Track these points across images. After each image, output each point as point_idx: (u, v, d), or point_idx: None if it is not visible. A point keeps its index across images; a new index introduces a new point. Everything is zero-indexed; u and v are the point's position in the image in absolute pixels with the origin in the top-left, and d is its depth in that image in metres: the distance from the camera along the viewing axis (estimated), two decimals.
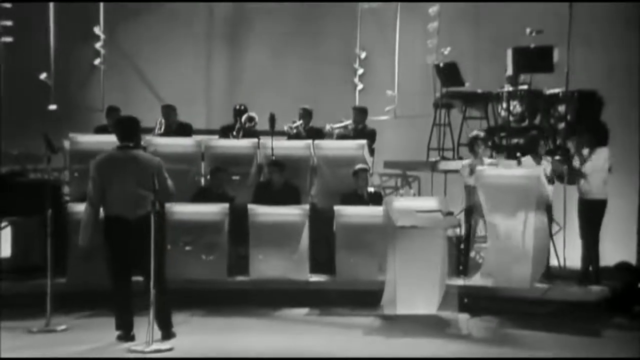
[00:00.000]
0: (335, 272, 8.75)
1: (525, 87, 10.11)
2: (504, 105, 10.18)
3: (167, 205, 8.00)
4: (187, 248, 8.61)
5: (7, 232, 9.45)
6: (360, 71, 12.22)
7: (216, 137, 10.29)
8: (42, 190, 7.83)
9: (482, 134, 9.43)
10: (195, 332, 7.17)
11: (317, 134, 10.37)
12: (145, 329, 6.52)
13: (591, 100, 9.86)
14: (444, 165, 10.31)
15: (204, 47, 12.85)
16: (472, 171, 8.89)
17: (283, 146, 9.66)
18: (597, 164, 8.81)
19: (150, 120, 9.93)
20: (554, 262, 9.17)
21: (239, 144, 9.87)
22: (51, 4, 11.56)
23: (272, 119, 9.67)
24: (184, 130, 10.32)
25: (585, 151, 8.95)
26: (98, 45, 11.89)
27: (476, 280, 8.67)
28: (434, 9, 11.61)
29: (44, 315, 7.28)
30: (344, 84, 12.18)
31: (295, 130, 10.45)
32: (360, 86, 12.21)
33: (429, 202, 8.33)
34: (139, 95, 12.19)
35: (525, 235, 8.36)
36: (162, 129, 10.29)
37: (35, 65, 11.36)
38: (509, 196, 8.45)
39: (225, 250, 8.74)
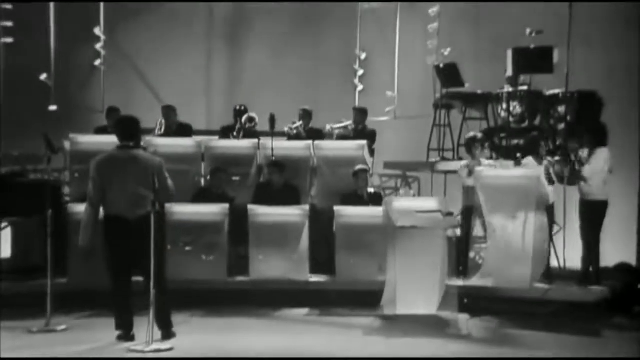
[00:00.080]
0: (335, 273, 8.75)
1: (525, 87, 10.11)
2: (504, 106, 10.19)
3: (167, 205, 8.00)
4: (187, 248, 8.62)
5: (8, 233, 9.45)
6: (361, 72, 12.23)
7: (216, 137, 10.30)
8: (43, 191, 7.83)
9: (479, 135, 9.43)
10: (195, 332, 7.17)
11: (317, 134, 10.37)
12: (145, 329, 6.52)
13: (591, 100, 9.87)
14: (444, 166, 10.32)
15: (204, 47, 12.86)
16: (470, 172, 8.89)
17: (283, 147, 9.67)
18: (597, 166, 8.80)
19: (150, 121, 9.94)
20: (554, 262, 9.17)
21: (239, 145, 9.87)
22: (51, 5, 11.57)
23: (272, 120, 9.68)
24: (184, 130, 10.32)
25: (585, 152, 8.94)
26: (98, 46, 11.90)
27: (476, 280, 8.66)
28: (434, 9, 11.62)
29: (44, 316, 7.28)
30: (344, 84, 12.19)
31: (295, 131, 10.45)
32: (360, 87, 12.22)
33: (429, 203, 8.33)
34: (139, 96, 12.20)
35: (525, 235, 8.36)
36: (162, 129, 10.30)
37: (35, 66, 11.37)
38: (508, 197, 8.45)
39: (225, 250, 8.75)
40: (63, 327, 7.29)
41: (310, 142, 9.71)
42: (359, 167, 9.24)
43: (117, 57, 12.23)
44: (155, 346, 6.47)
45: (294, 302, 8.42)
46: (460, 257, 9.09)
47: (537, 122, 10.19)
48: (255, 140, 9.77)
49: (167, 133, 10.22)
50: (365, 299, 8.23)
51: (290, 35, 12.59)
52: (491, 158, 10.00)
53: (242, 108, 10.47)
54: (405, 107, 11.73)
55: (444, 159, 10.54)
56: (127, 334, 6.76)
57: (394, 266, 8.00)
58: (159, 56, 12.44)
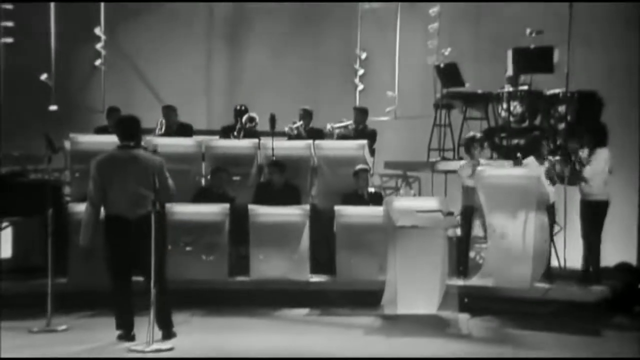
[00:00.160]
0: (336, 272, 8.76)
1: (525, 87, 10.13)
2: (504, 105, 10.20)
3: (168, 205, 7.99)
4: (188, 248, 8.62)
5: (8, 233, 9.46)
6: (361, 72, 12.24)
7: (217, 137, 10.31)
8: (43, 191, 7.84)
9: (478, 135, 9.43)
10: (195, 332, 7.17)
11: (317, 134, 10.37)
12: (145, 328, 6.53)
13: (591, 100, 9.88)
14: (444, 165, 10.32)
15: (204, 47, 12.86)
16: (473, 172, 8.89)
17: (283, 146, 9.68)
18: (597, 167, 8.79)
19: (150, 121, 9.94)
20: (554, 262, 9.17)
21: (240, 145, 9.88)
22: (52, 5, 11.58)
23: (273, 120, 9.69)
24: (185, 130, 10.33)
25: (585, 153, 8.94)
26: (99, 46, 11.90)
27: (476, 280, 8.66)
28: (434, 9, 11.63)
29: (45, 315, 7.28)
30: (345, 84, 12.20)
31: (295, 131, 10.46)
32: (360, 87, 12.23)
33: (430, 202, 8.33)
34: (139, 96, 12.21)
35: (525, 235, 8.36)
36: (163, 129, 10.31)
37: (35, 65, 11.38)
38: (509, 196, 8.45)
39: (226, 250, 8.75)
40: (63, 327, 7.28)
41: (310, 141, 9.72)
42: (359, 166, 9.24)
43: (117, 57, 12.23)
44: (155, 346, 6.47)
45: (294, 302, 8.42)
46: (461, 256, 9.09)
47: (537, 121, 10.20)
48: (256, 140, 9.77)
49: (168, 133, 10.23)
50: (366, 298, 8.23)
51: (290, 35, 12.59)
52: (491, 158, 10.02)
53: (243, 108, 10.48)
54: (406, 107, 11.73)
55: (444, 158, 10.55)
56: (127, 334, 6.76)
57: (394, 266, 8.00)
58: (159, 56, 12.45)
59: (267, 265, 8.64)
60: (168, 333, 6.77)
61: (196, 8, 12.68)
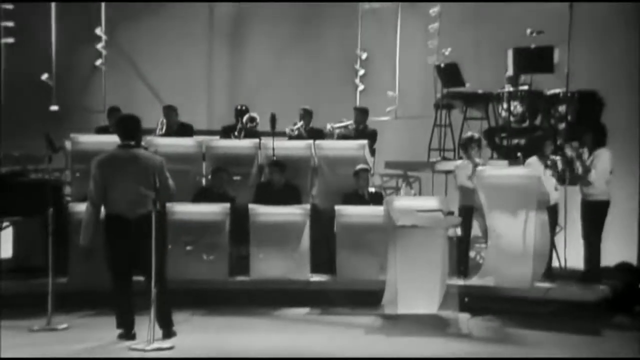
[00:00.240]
0: (336, 272, 8.76)
1: (525, 87, 10.14)
2: (505, 105, 10.21)
3: (168, 205, 8.01)
4: (188, 248, 8.63)
5: (9, 232, 9.46)
6: (361, 72, 12.25)
7: (217, 137, 10.31)
8: (43, 190, 7.86)
9: (476, 136, 9.43)
10: (196, 331, 7.18)
11: (317, 134, 10.38)
12: (146, 327, 6.53)
13: (591, 100, 9.88)
14: (444, 165, 10.32)
15: (205, 47, 12.88)
16: (473, 173, 8.89)
17: (284, 146, 9.68)
18: (601, 168, 8.77)
19: (151, 121, 9.96)
20: (554, 262, 9.17)
21: (240, 144, 9.89)
22: (52, 5, 11.59)
23: (273, 120, 9.69)
24: (185, 130, 10.34)
25: (585, 152, 8.94)
26: (99, 46, 11.92)
27: (477, 280, 8.66)
28: (434, 9, 11.64)
29: (45, 315, 7.28)
30: (345, 84, 12.21)
31: (296, 132, 10.46)
32: (361, 87, 12.24)
33: (430, 202, 8.33)
34: (140, 96, 12.22)
35: (525, 235, 8.35)
36: (164, 129, 10.32)
37: (36, 66, 11.40)
38: (509, 196, 8.45)
39: (226, 250, 8.76)
40: (64, 325, 7.29)
41: (310, 141, 9.72)
42: (359, 166, 9.25)
43: (118, 57, 12.25)
44: (156, 345, 6.48)
45: (294, 302, 8.42)
46: (461, 256, 9.09)
47: (537, 121, 10.21)
48: (256, 140, 9.78)
49: (168, 133, 10.24)
50: (366, 298, 8.23)
51: (291, 35, 12.61)
52: (491, 158, 10.03)
53: (243, 108, 10.49)
54: (406, 107, 11.74)
55: (444, 158, 10.55)
56: (128, 333, 6.77)
57: (394, 265, 7.99)
58: (159, 56, 12.47)
59: (268, 265, 8.65)
60: (168, 332, 6.78)
61: (197, 8, 12.70)
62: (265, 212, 8.73)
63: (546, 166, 8.89)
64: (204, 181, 9.68)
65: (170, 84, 12.28)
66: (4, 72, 11.19)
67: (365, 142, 9.71)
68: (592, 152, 8.91)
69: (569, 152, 8.91)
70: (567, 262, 9.28)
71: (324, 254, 8.98)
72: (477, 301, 8.28)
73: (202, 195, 9.16)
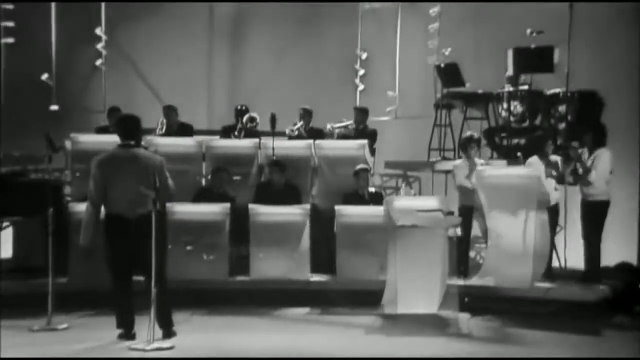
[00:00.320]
0: (336, 272, 8.77)
1: (525, 87, 10.14)
2: (505, 105, 10.21)
3: (168, 205, 8.01)
4: (188, 248, 8.63)
5: (9, 232, 9.46)
6: (361, 72, 12.25)
7: (217, 137, 10.31)
8: (43, 190, 7.86)
9: (475, 135, 9.45)
10: (196, 331, 7.18)
11: (317, 134, 10.38)
12: (146, 327, 6.53)
13: (592, 100, 9.88)
14: (444, 165, 10.32)
15: (204, 47, 12.88)
16: (470, 172, 8.90)
17: (284, 146, 9.68)
18: (602, 169, 8.77)
19: (151, 121, 9.95)
20: (554, 262, 9.18)
21: (240, 144, 9.89)
22: (53, 5, 11.59)
23: (273, 119, 9.69)
24: (185, 130, 10.34)
25: (585, 152, 8.93)
26: (99, 46, 11.91)
27: (477, 279, 8.66)
28: (434, 9, 11.64)
29: (45, 315, 7.28)
30: (345, 84, 12.21)
31: (296, 132, 10.46)
32: (361, 87, 12.24)
33: (430, 202, 8.33)
34: (140, 96, 12.23)
35: (525, 235, 8.35)
36: (164, 129, 10.31)
37: (36, 66, 11.40)
38: (509, 196, 8.45)
39: (226, 250, 8.76)
40: (64, 325, 7.29)
41: (310, 141, 9.72)
42: (359, 166, 9.25)
43: (118, 57, 12.26)
44: (156, 345, 6.48)
45: (294, 302, 8.42)
46: (461, 256, 9.09)
47: (537, 121, 10.21)
48: (256, 140, 9.78)
49: (168, 133, 10.23)
50: (366, 298, 8.23)
51: (291, 35, 12.61)
52: (491, 157, 10.03)
53: (243, 108, 10.49)
54: (406, 107, 11.74)
55: (444, 158, 10.55)
56: (128, 333, 6.77)
57: (394, 265, 7.99)
58: (160, 56, 12.47)
59: (268, 265, 8.65)
60: (168, 332, 6.78)
61: (197, 8, 12.70)
62: (265, 212, 8.73)
63: (547, 166, 8.88)
64: (204, 181, 9.67)
65: (170, 84, 12.29)
66: (4, 72, 11.19)
67: (365, 142, 9.71)
68: (592, 152, 8.90)
69: (571, 154, 8.90)
70: (567, 262, 9.30)
71: (324, 254, 8.98)
72: (477, 301, 8.28)
73: (202, 195, 9.16)
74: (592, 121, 9.58)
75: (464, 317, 7.99)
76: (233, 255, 8.89)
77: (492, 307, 8.19)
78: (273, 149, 9.45)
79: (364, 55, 12.23)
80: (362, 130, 10.53)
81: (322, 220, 9.06)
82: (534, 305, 8.24)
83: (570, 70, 9.66)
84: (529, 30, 9.97)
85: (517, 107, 10.10)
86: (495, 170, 8.89)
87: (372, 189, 9.35)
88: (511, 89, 10.16)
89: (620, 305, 8.22)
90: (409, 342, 7.02)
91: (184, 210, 8.69)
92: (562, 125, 9.99)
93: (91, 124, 10.99)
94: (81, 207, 7.30)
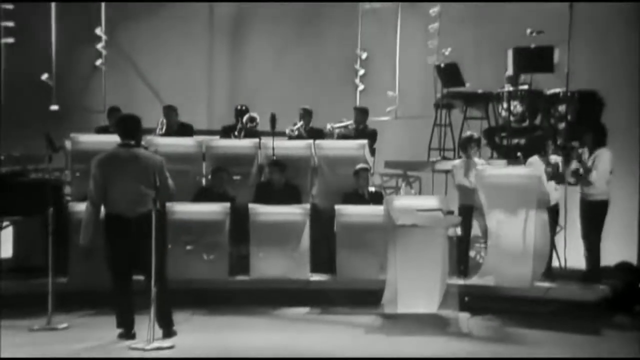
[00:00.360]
0: (336, 272, 8.77)
1: (525, 87, 10.14)
2: (505, 105, 10.21)
3: (169, 204, 8.01)
4: (188, 247, 8.63)
5: (9, 232, 9.46)
6: (361, 72, 12.25)
7: (217, 137, 10.31)
8: (43, 190, 7.86)
9: (475, 135, 9.45)
10: (196, 331, 7.19)
11: (317, 134, 10.38)
12: (146, 327, 6.54)
13: (592, 100, 9.88)
14: (444, 165, 10.32)
15: (205, 47, 12.88)
16: (467, 171, 8.90)
17: (284, 146, 9.68)
18: (602, 169, 8.77)
19: (151, 121, 9.95)
20: (554, 262, 9.17)
21: (240, 144, 9.89)
22: (53, 5, 11.59)
23: (273, 119, 9.68)
24: (185, 130, 10.34)
25: (585, 154, 8.93)
26: (99, 46, 11.91)
27: (477, 279, 8.66)
28: (434, 9, 11.64)
29: (45, 314, 7.29)
30: (345, 84, 12.21)
31: (296, 132, 10.47)
32: (361, 87, 12.24)
33: (430, 201, 8.32)
34: (140, 96, 12.22)
35: (525, 234, 8.35)
36: (164, 129, 10.31)
37: (36, 66, 11.39)
38: (509, 196, 8.45)
39: (226, 249, 8.76)
40: (64, 325, 7.30)
41: (310, 141, 9.72)
42: (360, 166, 9.25)
43: (118, 57, 12.25)
44: (156, 344, 6.49)
45: (294, 301, 8.43)
46: (461, 255, 9.09)
47: (537, 121, 10.21)
48: (256, 140, 9.78)
49: (168, 133, 10.23)
50: (366, 297, 8.22)
51: (291, 35, 12.61)
52: (491, 157, 10.02)
53: (243, 108, 10.49)
54: (406, 107, 11.75)
55: (444, 158, 10.55)
56: (128, 332, 6.77)
57: (394, 265, 7.98)
58: (159, 56, 12.48)
59: (268, 265, 8.65)
60: (168, 332, 6.79)
61: (197, 8, 12.70)
62: (265, 212, 8.73)
63: (547, 165, 8.88)
64: (204, 181, 9.67)
65: (170, 83, 12.28)
66: (4, 72, 11.18)
67: (365, 141, 9.71)
68: (593, 152, 8.90)
69: (572, 154, 8.90)
70: (567, 262, 9.29)
71: (324, 254, 8.98)
72: (477, 301, 8.28)
73: (202, 195, 9.16)
74: (592, 121, 9.58)
75: (464, 316, 7.99)
76: (233, 255, 8.89)
77: (492, 307, 8.20)
78: (273, 149, 9.45)
79: (364, 55, 12.23)
80: (362, 130, 10.53)
81: (322, 220, 9.06)
82: (534, 305, 8.24)
83: (570, 70, 9.66)
84: (529, 30, 9.97)
85: (517, 107, 10.10)
86: (496, 170, 8.89)
87: (372, 189, 9.35)
88: (511, 88, 10.16)
89: (620, 305, 8.22)
90: (409, 341, 7.03)
91: (184, 210, 8.69)
92: (562, 125, 9.98)
93: (91, 124, 11.00)
94: (81, 207, 7.30)
